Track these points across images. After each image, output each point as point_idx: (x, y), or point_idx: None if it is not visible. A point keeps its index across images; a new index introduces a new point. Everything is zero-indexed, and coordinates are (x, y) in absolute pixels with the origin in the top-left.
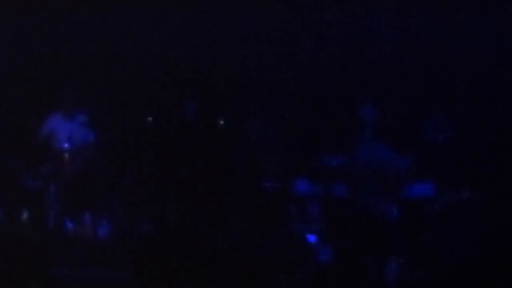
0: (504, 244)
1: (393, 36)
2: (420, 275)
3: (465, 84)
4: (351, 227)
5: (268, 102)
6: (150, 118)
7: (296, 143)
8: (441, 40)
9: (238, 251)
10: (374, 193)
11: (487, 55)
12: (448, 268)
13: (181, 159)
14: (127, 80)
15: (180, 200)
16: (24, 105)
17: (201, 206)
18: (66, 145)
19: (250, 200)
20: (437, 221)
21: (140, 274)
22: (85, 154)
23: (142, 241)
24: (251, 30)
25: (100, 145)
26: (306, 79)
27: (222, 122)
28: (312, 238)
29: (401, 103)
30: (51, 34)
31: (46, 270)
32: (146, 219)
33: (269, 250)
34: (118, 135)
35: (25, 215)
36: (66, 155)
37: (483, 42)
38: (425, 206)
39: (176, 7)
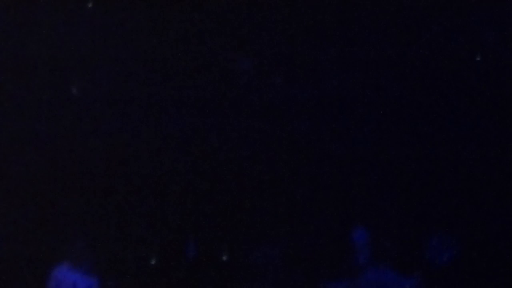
0: None
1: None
2: None
3: (469, 201)
4: None
5: (268, 232)
6: (153, 261)
7: (298, 272)
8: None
9: None
10: None
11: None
12: None
13: None
14: (128, 224)
15: None
16: (29, 257)
17: None
18: None
19: None
20: None
21: None
22: None
23: None
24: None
25: None
26: (298, 205)
27: (225, 257)
28: None
29: (401, 223)
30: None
31: None
32: None
33: None
34: (123, 282)
35: None
36: None
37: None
38: None
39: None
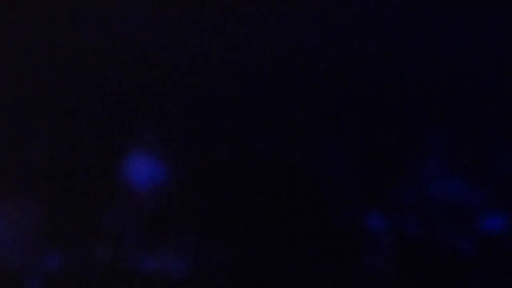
0: None
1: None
2: None
3: None
4: (426, 263)
5: (336, 134)
6: (226, 153)
7: (367, 176)
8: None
9: None
10: (449, 228)
11: None
12: None
13: (252, 195)
14: (201, 113)
15: (250, 237)
16: (101, 143)
17: (272, 242)
18: (145, 183)
19: (320, 234)
20: None
21: None
22: (164, 192)
23: (220, 277)
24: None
25: (178, 181)
26: (369, 108)
27: (294, 157)
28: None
29: (475, 130)
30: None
31: None
32: (220, 255)
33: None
34: (195, 171)
35: (104, 254)
36: (145, 194)
37: None
38: (503, 240)
39: None
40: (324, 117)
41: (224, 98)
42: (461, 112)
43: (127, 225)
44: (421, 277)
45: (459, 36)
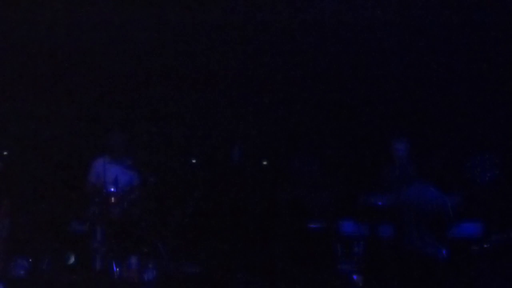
0: None
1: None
2: None
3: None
4: (398, 267)
5: (313, 141)
6: (194, 160)
7: (342, 182)
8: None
9: None
10: (421, 233)
11: None
12: None
13: (226, 200)
14: (173, 124)
15: (225, 241)
16: (72, 150)
17: (246, 246)
18: (113, 189)
19: (296, 240)
20: (486, 261)
21: None
22: (131, 197)
23: (188, 283)
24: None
25: (146, 187)
26: (348, 116)
27: (266, 162)
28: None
29: (447, 141)
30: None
31: None
32: (192, 260)
33: None
34: (164, 177)
35: (72, 259)
36: (113, 199)
37: None
38: (473, 245)
39: None
40: (300, 129)
41: (196, 105)
42: (430, 122)
43: (97, 232)
44: (393, 281)
45: (431, 44)
